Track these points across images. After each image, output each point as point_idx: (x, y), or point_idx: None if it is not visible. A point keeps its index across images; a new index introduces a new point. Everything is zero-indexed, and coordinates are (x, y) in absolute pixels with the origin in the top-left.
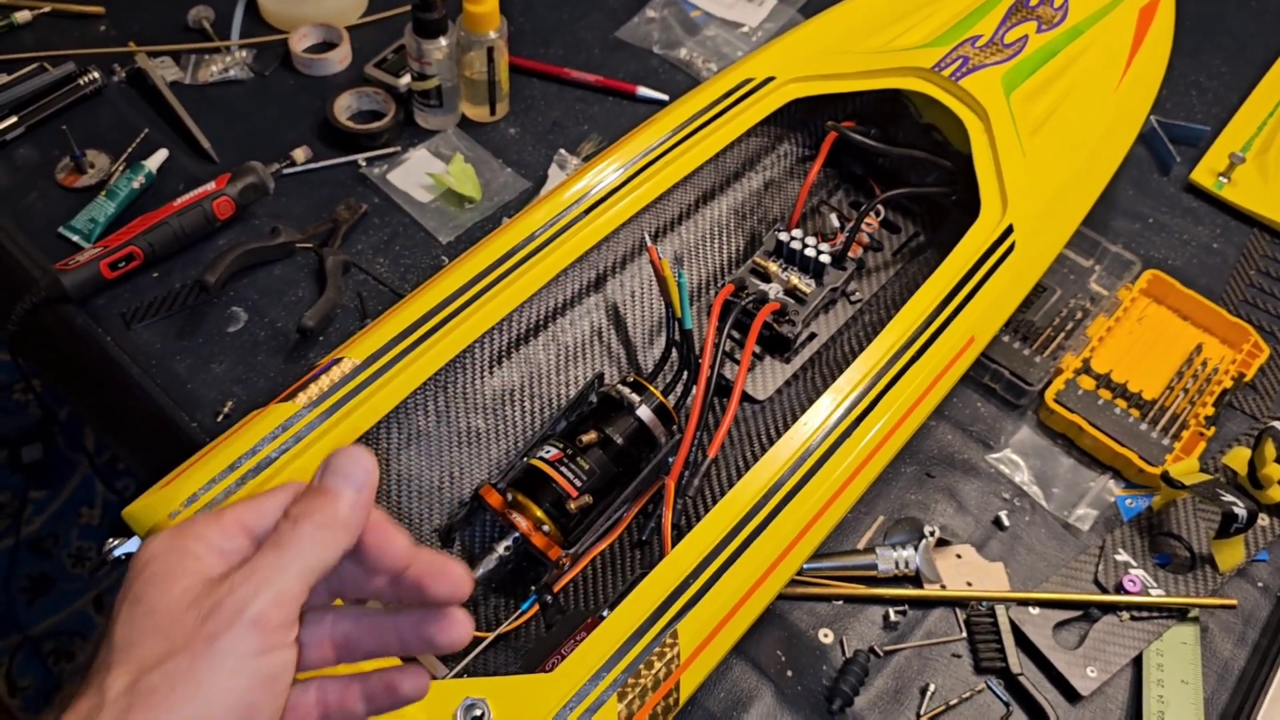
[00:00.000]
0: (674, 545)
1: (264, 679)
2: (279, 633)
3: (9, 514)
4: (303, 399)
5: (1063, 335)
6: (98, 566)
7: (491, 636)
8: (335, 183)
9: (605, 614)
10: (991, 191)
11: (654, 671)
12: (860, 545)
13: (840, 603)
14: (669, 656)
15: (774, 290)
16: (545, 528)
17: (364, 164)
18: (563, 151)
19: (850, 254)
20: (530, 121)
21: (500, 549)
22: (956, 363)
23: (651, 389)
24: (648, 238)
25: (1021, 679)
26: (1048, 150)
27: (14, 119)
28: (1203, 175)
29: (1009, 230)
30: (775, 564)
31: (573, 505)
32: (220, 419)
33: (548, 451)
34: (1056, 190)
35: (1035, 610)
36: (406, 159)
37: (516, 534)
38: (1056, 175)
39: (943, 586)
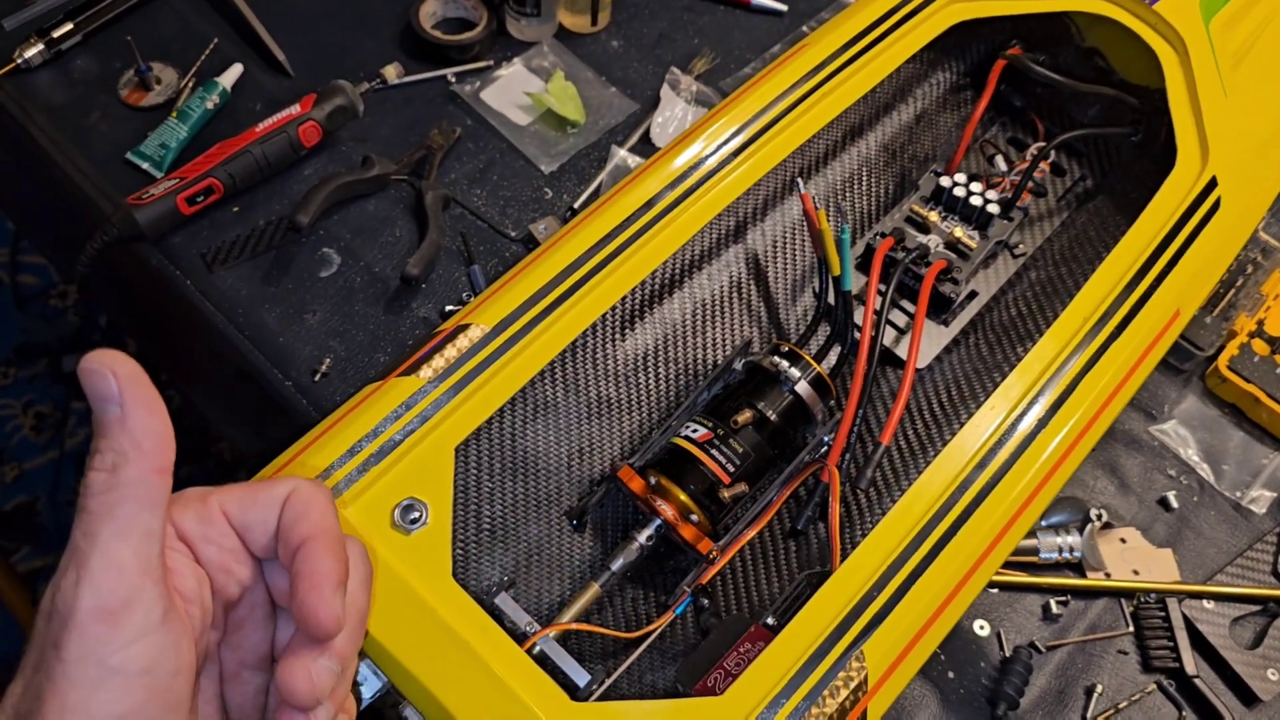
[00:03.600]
0: (842, 543)
1: (134, 677)
2: (128, 616)
3: (52, 425)
4: (428, 372)
5: (1233, 292)
6: None
7: (646, 643)
8: (423, 101)
9: (770, 621)
10: (1190, 137)
11: (840, 700)
12: None
13: (995, 591)
14: (856, 682)
15: (935, 243)
16: (693, 517)
17: (454, 80)
18: (675, 70)
19: (1018, 202)
20: (634, 33)
21: (641, 538)
22: (1160, 341)
23: (808, 358)
24: (800, 184)
25: (1197, 681)
26: (1252, 89)
27: (70, 25)
28: None
29: (1212, 183)
30: (969, 574)
31: (726, 494)
32: (317, 378)
33: (694, 430)
34: (1265, 137)
35: (1210, 604)
36: (500, 75)
37: (659, 521)
38: (1264, 119)
39: (1107, 575)
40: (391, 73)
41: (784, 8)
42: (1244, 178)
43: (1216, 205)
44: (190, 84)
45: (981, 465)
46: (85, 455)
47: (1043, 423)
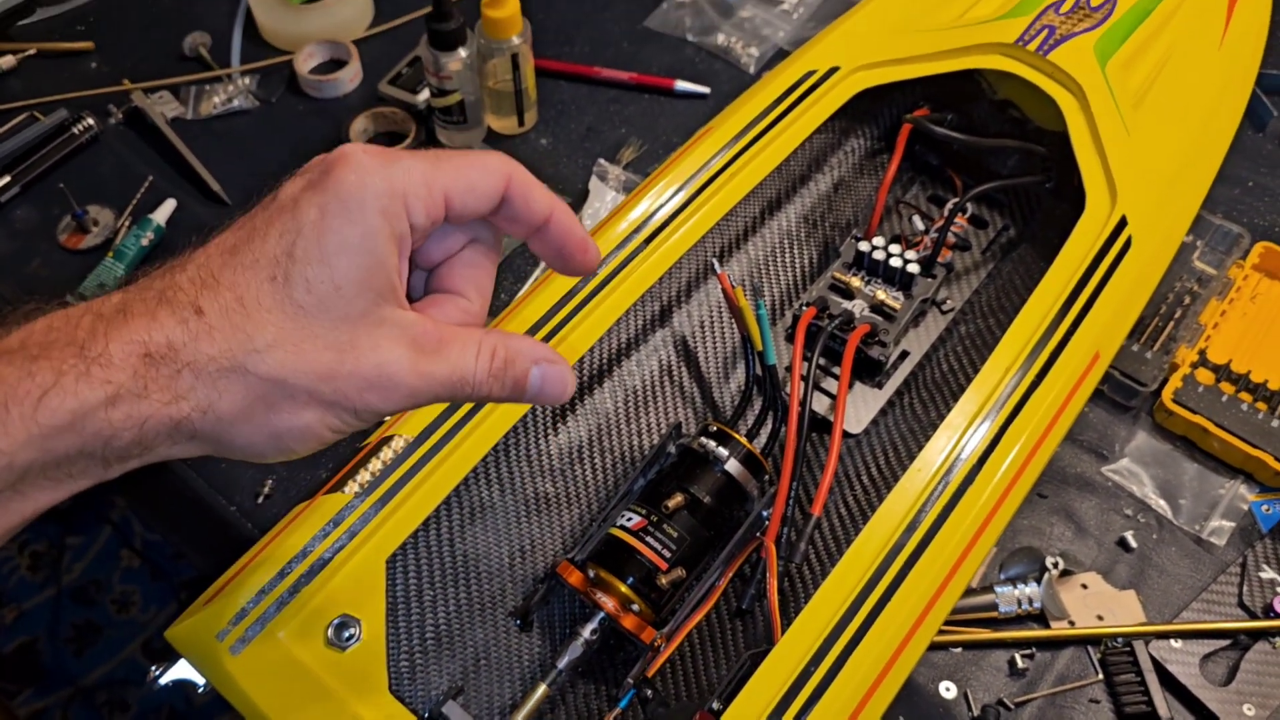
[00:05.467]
0: (782, 616)
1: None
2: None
3: (48, 563)
4: (353, 486)
5: (1172, 324)
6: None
7: None
8: None
9: (715, 706)
10: (1096, 179)
11: None
12: (974, 583)
13: (959, 650)
14: None
15: (859, 308)
16: (634, 607)
17: None
18: (602, 161)
19: (939, 259)
20: (562, 130)
21: (585, 633)
22: (1082, 385)
23: (737, 437)
24: (716, 264)
25: None
26: (1154, 126)
27: (7, 178)
28: None
29: (1123, 223)
30: (908, 638)
31: (664, 580)
32: (260, 500)
33: (629, 519)
34: (1171, 170)
35: (1178, 643)
36: None
37: (602, 615)
38: (1168, 153)
39: (1071, 623)
40: None
41: (707, 90)
42: (1153, 214)
43: (1128, 244)
44: (127, 223)
45: (911, 527)
46: (82, 591)
47: (969, 478)
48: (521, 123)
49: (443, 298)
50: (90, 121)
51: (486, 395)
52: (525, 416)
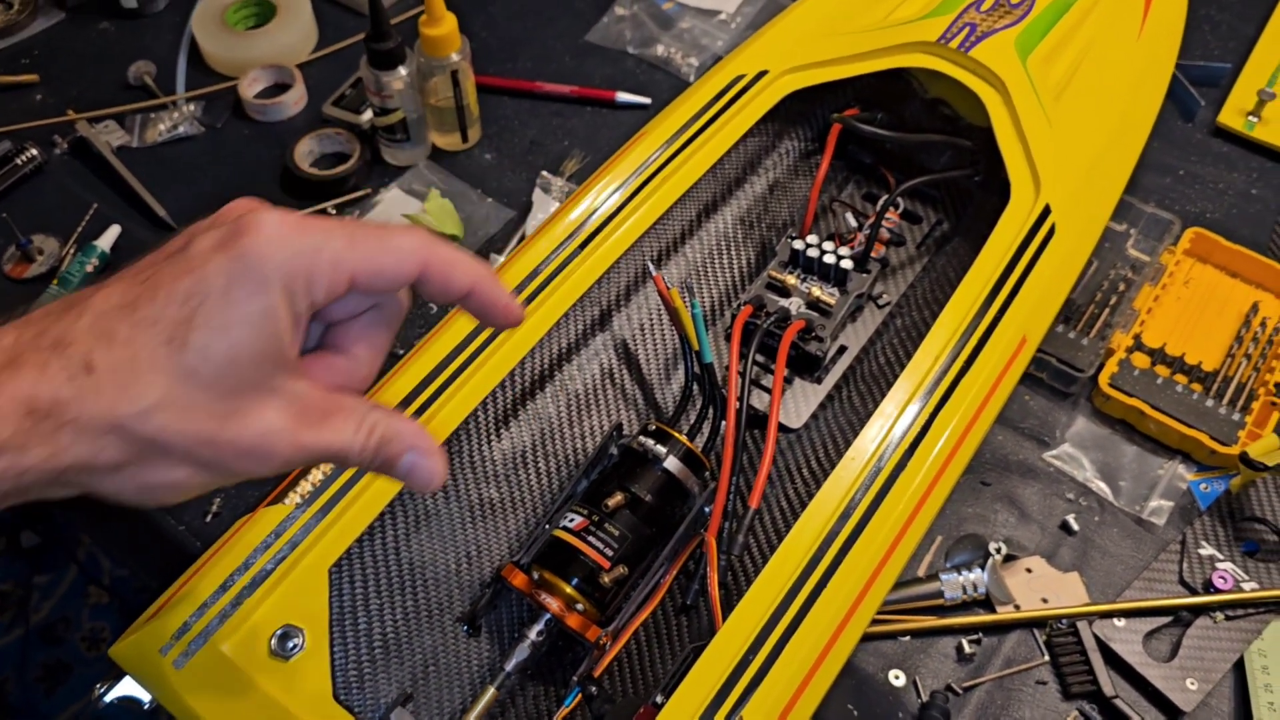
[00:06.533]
0: (724, 610)
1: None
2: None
3: (15, 602)
4: (294, 498)
5: (1108, 311)
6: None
7: None
8: None
9: (659, 700)
10: (1020, 170)
11: None
12: (921, 572)
13: (907, 638)
14: None
15: (795, 305)
16: (579, 606)
17: (334, 212)
18: (545, 174)
19: (873, 254)
20: (506, 144)
21: (532, 635)
22: (1011, 368)
23: (676, 435)
24: (651, 266)
25: (1117, 701)
26: (1075, 116)
27: None
28: (1231, 117)
29: (1046, 211)
30: (844, 622)
31: (606, 579)
32: (209, 518)
33: (571, 520)
34: (1091, 159)
35: (1121, 622)
36: (379, 201)
37: (548, 616)
38: (1089, 143)
39: (1016, 607)
40: None
41: (648, 101)
42: (1075, 202)
43: (1052, 231)
44: (71, 251)
45: (846, 514)
46: (50, 629)
47: (903, 462)
48: (465, 139)
49: (333, 356)
50: (34, 152)
51: (358, 466)
52: (467, 421)
